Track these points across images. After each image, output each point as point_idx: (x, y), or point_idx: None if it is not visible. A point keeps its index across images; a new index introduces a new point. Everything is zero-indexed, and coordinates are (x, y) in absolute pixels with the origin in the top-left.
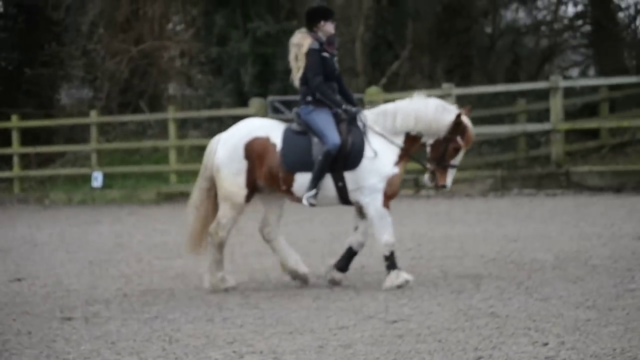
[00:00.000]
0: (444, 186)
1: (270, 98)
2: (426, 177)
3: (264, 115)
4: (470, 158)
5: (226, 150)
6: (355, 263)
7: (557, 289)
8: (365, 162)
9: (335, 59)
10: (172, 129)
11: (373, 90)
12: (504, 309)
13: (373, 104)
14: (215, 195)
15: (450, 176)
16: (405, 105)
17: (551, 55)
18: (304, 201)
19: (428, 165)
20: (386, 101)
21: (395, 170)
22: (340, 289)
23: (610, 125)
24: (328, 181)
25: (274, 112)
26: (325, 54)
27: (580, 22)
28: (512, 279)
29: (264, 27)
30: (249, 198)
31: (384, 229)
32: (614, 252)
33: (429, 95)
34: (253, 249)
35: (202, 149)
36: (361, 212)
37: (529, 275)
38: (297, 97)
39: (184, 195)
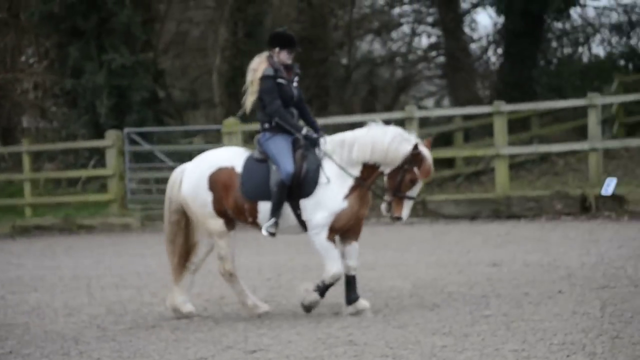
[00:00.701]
0: (399, 218)
1: (127, 130)
2: (383, 207)
3: (120, 148)
4: None
5: (190, 182)
6: (214, 293)
7: (414, 316)
8: (318, 193)
9: (295, 85)
10: (26, 161)
11: (231, 122)
12: (362, 336)
13: (231, 134)
14: (187, 225)
15: (406, 208)
16: (363, 134)
17: (406, 86)
18: (263, 231)
19: (385, 196)
20: (243, 132)
21: (344, 205)
22: (199, 320)
23: (465, 155)
24: (287, 210)
25: (131, 143)
26: (281, 80)
27: (434, 53)
28: (370, 307)
29: (119, 59)
30: (230, 225)
31: (330, 262)
32: (469, 279)
33: (388, 124)
34: (110, 281)
35: (57, 181)
36: (342, 237)
37: (386, 303)
38: (155, 129)
39: (40, 229)
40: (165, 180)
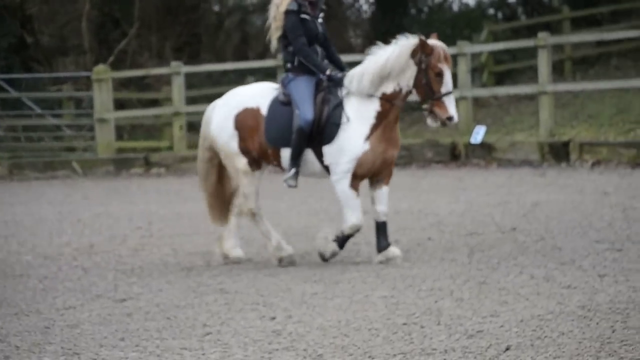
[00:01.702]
0: (450, 118)
1: None
2: (429, 121)
3: None
4: None
5: (218, 120)
6: (83, 242)
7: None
8: (339, 136)
9: (320, 21)
10: None
11: (100, 69)
12: (233, 285)
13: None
14: (220, 164)
15: (451, 106)
16: (365, 64)
17: None
18: (283, 183)
19: (424, 108)
20: (113, 79)
21: (366, 147)
22: (68, 269)
23: None
24: (310, 156)
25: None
26: (305, 16)
27: None
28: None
29: None
30: (254, 166)
31: (351, 211)
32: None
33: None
34: None
35: None
36: (370, 182)
37: (257, 252)
38: (23, 75)
39: None
40: (33, 128)
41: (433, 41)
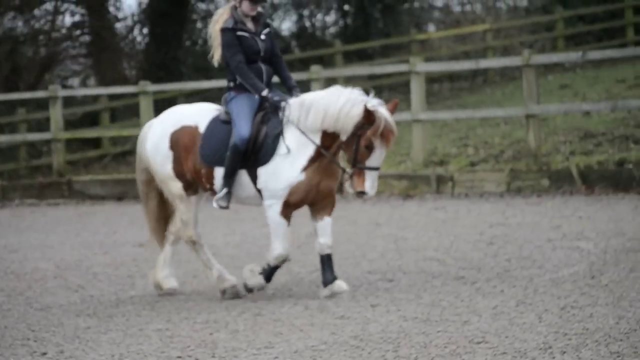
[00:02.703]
0: (362, 193)
1: None
2: (347, 184)
3: None
4: None
5: (153, 139)
6: None
7: (58, 298)
8: (275, 161)
9: (263, 38)
10: None
11: None
12: (2, 320)
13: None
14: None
15: (369, 180)
16: (320, 97)
17: (50, 65)
18: (214, 203)
19: (347, 169)
20: None
21: (301, 177)
22: None
23: (111, 135)
24: (245, 178)
25: None
26: (243, 33)
27: (78, 31)
28: (12, 290)
29: None
30: (189, 190)
31: (278, 241)
32: (115, 259)
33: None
34: None
35: None
36: (312, 213)
37: (29, 286)
38: None
39: None
40: None
41: (380, 112)
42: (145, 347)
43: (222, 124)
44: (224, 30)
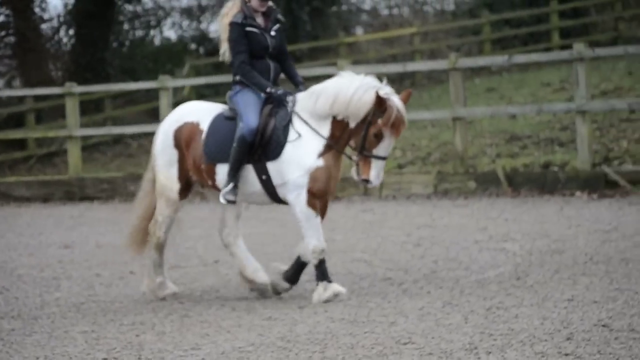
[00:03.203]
0: (366, 181)
1: None
2: (353, 170)
3: None
4: None
5: (160, 137)
6: None
7: None
8: (287, 151)
9: (273, 34)
10: None
11: None
12: None
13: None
14: None
15: (374, 169)
16: (330, 84)
17: None
18: (220, 198)
19: (353, 157)
20: None
21: (319, 162)
22: None
23: (37, 136)
24: (250, 174)
25: None
26: (252, 29)
27: (3, 32)
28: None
29: None
30: (183, 194)
31: (311, 233)
32: (40, 261)
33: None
34: None
35: None
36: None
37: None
38: None
39: None
40: None
41: (393, 101)
42: (70, 349)
43: (225, 120)
44: (232, 25)
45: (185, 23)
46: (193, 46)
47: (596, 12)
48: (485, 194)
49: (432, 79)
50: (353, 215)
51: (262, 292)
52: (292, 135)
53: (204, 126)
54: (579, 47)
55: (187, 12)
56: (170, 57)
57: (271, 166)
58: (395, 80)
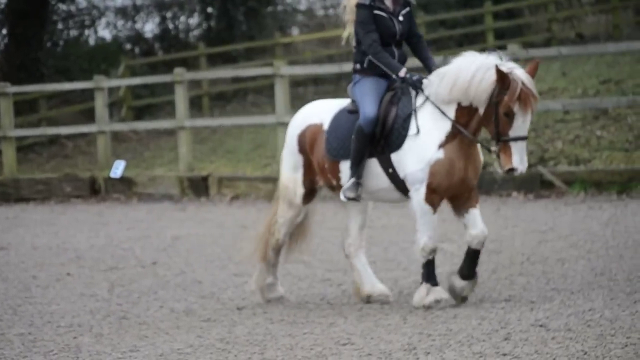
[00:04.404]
0: (511, 170)
1: None
2: (495, 165)
3: None
4: None
5: (286, 139)
6: None
7: None
8: (408, 142)
9: (401, 19)
10: None
11: None
12: None
13: None
14: None
15: (517, 154)
16: (452, 67)
17: None
18: (340, 195)
19: (492, 148)
20: None
21: (440, 154)
22: None
23: None
24: (376, 168)
25: None
26: (380, 12)
27: None
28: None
29: None
30: (307, 199)
31: (423, 229)
32: None
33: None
34: None
35: None
36: (454, 208)
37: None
38: None
39: None
40: None
41: (517, 75)
42: (7, 352)
43: (348, 115)
44: (360, 6)
45: (120, 23)
46: (128, 46)
47: (530, 13)
48: None
49: None
50: None
51: (383, 301)
52: (412, 126)
53: (327, 126)
54: (513, 48)
55: (121, 11)
56: (105, 57)
57: (395, 157)
58: (332, 81)
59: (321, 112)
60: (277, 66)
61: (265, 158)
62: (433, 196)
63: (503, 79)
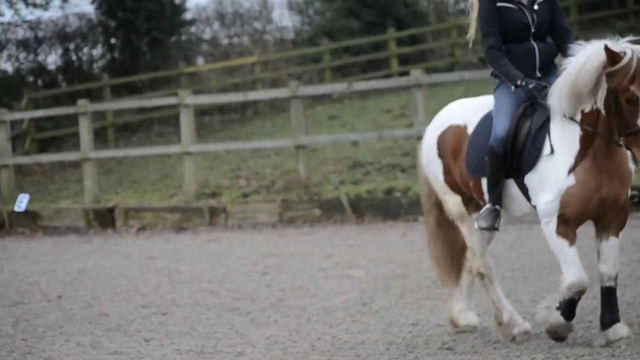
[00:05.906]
0: None
1: None
2: (629, 162)
3: None
4: None
5: (425, 145)
6: None
7: None
8: (541, 165)
9: (536, 8)
10: None
11: None
12: None
13: None
14: (439, 202)
15: None
16: (563, 76)
17: None
18: (475, 225)
19: (619, 143)
20: None
21: (570, 181)
22: None
23: None
24: (514, 191)
25: None
26: (507, 4)
27: None
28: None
29: None
30: (472, 205)
31: (565, 267)
32: None
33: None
34: None
35: None
36: (596, 230)
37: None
38: None
39: None
40: None
41: (629, 51)
42: None
43: (491, 122)
44: (481, 0)
45: (22, 55)
46: (31, 78)
47: (433, 39)
48: (329, 221)
49: (275, 107)
50: (199, 245)
51: (467, 331)
52: (546, 144)
53: (471, 130)
54: (416, 74)
55: (23, 44)
56: (7, 90)
57: (528, 181)
58: (238, 110)
59: (466, 111)
60: (181, 96)
61: (171, 188)
62: (566, 228)
63: (613, 58)
